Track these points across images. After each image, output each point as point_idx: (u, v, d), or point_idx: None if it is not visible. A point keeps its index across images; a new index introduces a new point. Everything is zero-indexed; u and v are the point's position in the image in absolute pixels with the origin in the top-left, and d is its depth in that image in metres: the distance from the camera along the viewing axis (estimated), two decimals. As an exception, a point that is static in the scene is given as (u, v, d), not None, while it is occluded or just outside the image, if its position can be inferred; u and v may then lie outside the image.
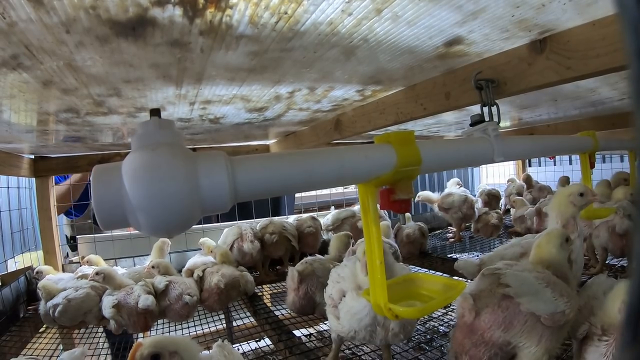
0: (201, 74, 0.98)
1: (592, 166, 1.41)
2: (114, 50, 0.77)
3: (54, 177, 2.37)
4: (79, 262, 2.35)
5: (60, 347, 1.68)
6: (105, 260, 2.25)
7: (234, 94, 1.22)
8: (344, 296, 1.07)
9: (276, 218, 2.40)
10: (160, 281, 1.67)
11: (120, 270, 2.01)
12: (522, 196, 2.77)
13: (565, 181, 2.40)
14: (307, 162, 0.59)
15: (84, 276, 1.86)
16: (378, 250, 0.73)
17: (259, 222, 2.30)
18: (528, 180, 2.93)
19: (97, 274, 1.68)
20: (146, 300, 1.53)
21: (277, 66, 0.99)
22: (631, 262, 0.17)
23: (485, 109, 1.04)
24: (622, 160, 3.62)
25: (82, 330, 1.74)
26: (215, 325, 1.88)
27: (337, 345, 1.16)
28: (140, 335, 1.84)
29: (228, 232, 2.22)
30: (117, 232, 2.50)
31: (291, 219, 2.43)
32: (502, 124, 2.64)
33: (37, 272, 2.01)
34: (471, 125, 0.98)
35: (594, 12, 0.80)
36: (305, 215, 2.41)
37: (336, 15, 0.71)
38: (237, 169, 0.53)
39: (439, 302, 0.78)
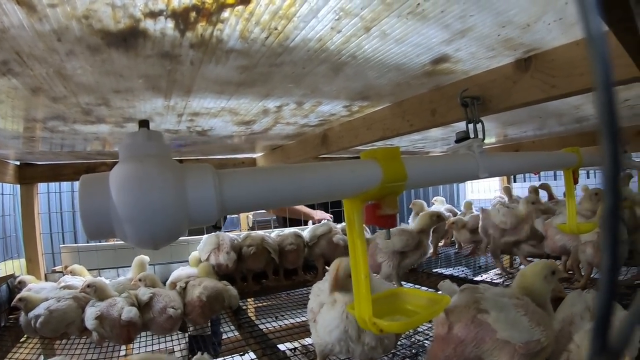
0: (190, 86, 0.98)
1: (576, 182, 1.43)
2: (104, 60, 0.78)
3: (38, 184, 2.35)
4: (62, 272, 2.31)
5: (42, 357, 1.66)
6: (89, 270, 2.21)
7: (222, 106, 1.22)
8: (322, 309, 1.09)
9: (259, 232, 2.40)
10: (144, 293, 1.64)
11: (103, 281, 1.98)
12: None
13: (534, 191, 2.42)
14: (294, 177, 0.60)
15: (67, 286, 1.83)
16: (363, 265, 0.73)
17: (241, 234, 2.28)
18: (507, 191, 2.96)
19: (88, 286, 1.65)
20: (129, 313, 1.50)
21: (266, 80, 1.00)
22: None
23: (471, 126, 1.06)
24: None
25: (64, 341, 1.70)
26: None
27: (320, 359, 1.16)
28: (123, 348, 1.82)
29: (207, 240, 2.21)
30: (101, 242, 2.48)
31: (273, 233, 2.40)
32: (487, 140, 2.68)
33: (19, 282, 1.96)
34: (456, 141, 0.99)
35: (578, 32, 0.83)
36: (287, 231, 2.38)
37: (325, 32, 0.73)
38: (224, 183, 0.53)
39: (423, 316, 0.78)
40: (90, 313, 1.50)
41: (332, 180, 0.62)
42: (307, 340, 1.68)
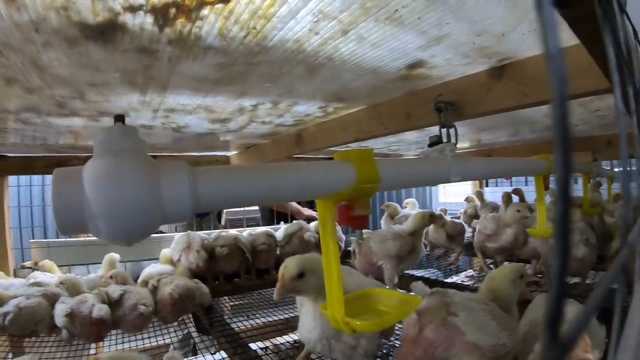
0: (167, 82, 0.98)
1: (547, 188, 1.47)
2: (81, 53, 0.77)
3: (9, 177, 2.29)
4: (31, 268, 2.25)
5: (10, 355, 1.64)
6: (59, 266, 2.17)
7: (198, 104, 1.22)
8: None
9: (232, 230, 2.39)
10: (114, 290, 1.63)
11: (73, 278, 1.94)
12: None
13: (508, 197, 2.48)
14: (268, 176, 0.60)
15: (36, 283, 1.79)
16: (335, 265, 0.74)
17: (212, 234, 2.28)
18: (480, 195, 3.03)
19: (61, 283, 1.64)
20: (100, 311, 1.49)
21: (242, 79, 1.00)
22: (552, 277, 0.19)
23: (444, 130, 1.09)
24: (575, 182, 3.80)
25: (34, 339, 1.66)
26: (170, 338, 1.84)
27: (305, 353, 1.17)
28: (93, 346, 1.79)
29: (179, 239, 2.19)
30: (71, 238, 2.43)
31: (245, 233, 2.39)
32: (461, 145, 2.74)
33: None
34: (429, 145, 1.02)
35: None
36: (259, 230, 2.39)
37: (303, 33, 0.73)
38: (199, 180, 0.54)
39: (395, 316, 0.80)
40: (60, 310, 1.47)
41: (306, 181, 0.63)
42: (279, 340, 1.69)
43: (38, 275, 1.98)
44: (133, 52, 0.77)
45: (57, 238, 2.97)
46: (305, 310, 1.08)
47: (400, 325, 1.60)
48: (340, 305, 0.75)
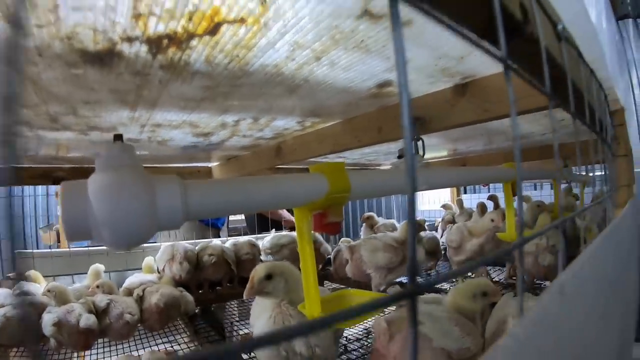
0: (156, 100, 1.05)
1: (514, 194, 1.55)
2: (79, 75, 0.84)
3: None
4: (16, 278, 2.26)
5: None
6: (44, 277, 2.18)
7: (184, 120, 1.30)
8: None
9: (215, 240, 2.45)
10: (101, 300, 1.66)
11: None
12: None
13: (482, 207, 2.57)
14: (249, 188, 0.68)
15: (23, 293, 1.82)
16: (312, 268, 0.81)
17: (199, 244, 2.33)
18: (459, 203, 3.15)
19: (49, 291, 1.67)
20: (88, 320, 1.52)
21: (226, 98, 1.08)
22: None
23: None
24: (551, 188, 3.96)
25: (21, 349, 1.68)
26: (157, 345, 1.88)
27: None
28: (76, 355, 1.81)
29: (164, 249, 2.24)
30: (54, 249, 2.45)
31: (228, 243, 2.44)
32: (438, 154, 2.85)
33: None
34: (398, 157, 1.11)
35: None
36: (242, 240, 2.45)
37: (281, 60, 0.82)
38: (189, 192, 0.61)
39: (368, 313, 0.88)
40: (48, 319, 1.49)
41: (283, 191, 0.70)
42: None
43: (24, 286, 1.99)
44: (127, 75, 0.84)
45: (38, 249, 2.98)
46: (258, 321, 1.15)
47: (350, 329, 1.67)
48: (317, 305, 0.83)
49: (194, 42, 0.70)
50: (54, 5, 0.56)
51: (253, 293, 1.11)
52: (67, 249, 2.46)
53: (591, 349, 0.57)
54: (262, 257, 2.42)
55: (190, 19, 0.61)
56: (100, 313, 1.62)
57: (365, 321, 1.67)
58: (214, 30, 0.65)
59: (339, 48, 0.79)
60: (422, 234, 2.46)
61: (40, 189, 4.66)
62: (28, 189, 4.49)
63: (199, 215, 0.63)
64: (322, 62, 0.84)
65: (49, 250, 2.45)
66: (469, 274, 2.29)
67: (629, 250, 1.25)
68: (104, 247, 2.61)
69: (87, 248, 2.45)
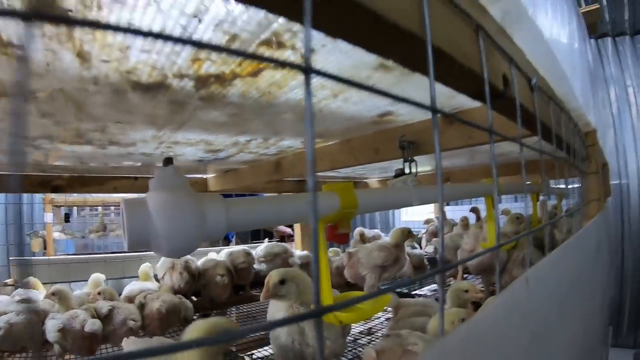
0: (184, 123, 1.17)
1: (494, 207, 1.69)
2: (121, 100, 0.93)
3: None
4: (13, 285, 2.30)
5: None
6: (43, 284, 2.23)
7: (202, 139, 1.41)
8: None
9: (211, 253, 2.56)
10: (103, 306, 1.72)
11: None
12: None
13: (465, 220, 2.74)
14: (276, 204, 0.80)
15: (25, 299, 1.85)
16: (326, 272, 0.94)
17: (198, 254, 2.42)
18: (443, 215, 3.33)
19: (53, 294, 1.70)
20: (93, 325, 1.58)
21: (246, 123, 1.21)
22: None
23: (407, 164, 1.32)
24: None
25: (24, 355, 1.72)
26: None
27: None
28: None
29: (162, 262, 2.31)
30: (52, 257, 2.49)
31: (223, 253, 2.54)
32: (425, 168, 3.01)
33: None
34: (395, 177, 1.25)
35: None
36: (236, 250, 2.52)
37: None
38: (231, 209, 0.72)
39: (372, 309, 0.99)
40: (52, 325, 1.53)
41: (303, 207, 0.82)
42: (257, 354, 1.83)
43: (23, 292, 2.01)
44: (166, 103, 0.96)
45: (34, 256, 2.99)
46: (275, 312, 1.27)
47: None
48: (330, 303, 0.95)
49: (236, 82, 0.83)
50: (125, 47, 0.67)
51: (268, 296, 1.22)
52: (64, 257, 2.51)
53: (553, 327, 0.71)
54: (256, 266, 2.52)
55: (240, 64, 0.73)
56: (102, 319, 1.67)
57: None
58: (256, 73, 0.78)
59: (352, 89, 0.92)
60: (409, 250, 2.65)
61: (26, 197, 4.64)
62: (12, 197, 4.48)
63: (237, 227, 0.75)
64: (337, 98, 0.99)
65: (47, 257, 2.49)
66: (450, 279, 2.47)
67: (594, 257, 1.41)
68: (101, 255, 2.69)
69: (84, 256, 2.50)
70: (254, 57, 0.54)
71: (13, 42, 0.64)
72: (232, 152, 1.74)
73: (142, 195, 0.64)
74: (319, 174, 1.95)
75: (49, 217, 4.04)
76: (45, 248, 3.91)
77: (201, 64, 0.73)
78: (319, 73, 0.26)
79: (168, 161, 0.78)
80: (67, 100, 0.92)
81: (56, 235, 4.33)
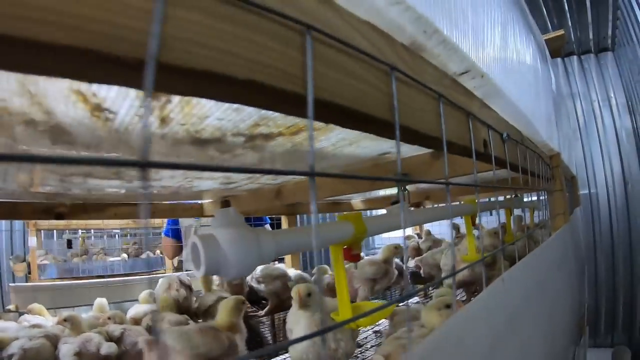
0: (220, 163, 1.32)
1: (474, 224, 1.72)
2: (176, 150, 1.00)
3: None
4: (16, 312, 2.36)
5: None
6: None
7: (224, 174, 1.56)
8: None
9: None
10: (114, 329, 1.82)
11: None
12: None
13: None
14: (309, 233, 0.99)
15: (36, 325, 1.96)
16: (345, 285, 1.12)
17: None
18: (427, 233, 3.62)
19: (65, 320, 1.79)
20: (109, 348, 1.67)
21: (270, 161, 1.38)
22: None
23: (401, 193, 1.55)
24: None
25: None
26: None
27: None
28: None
29: (162, 282, 2.45)
30: (55, 282, 2.55)
31: None
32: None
33: None
34: (392, 204, 1.47)
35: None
36: None
37: (327, 145, 1.17)
38: (277, 239, 0.89)
39: (381, 315, 1.18)
40: (68, 349, 1.60)
41: (328, 234, 1.01)
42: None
43: (30, 319, 2.12)
44: (213, 150, 1.09)
45: (14, 282, 2.99)
46: (296, 328, 1.50)
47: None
48: (349, 311, 1.14)
49: (279, 138, 1.01)
50: (205, 116, 0.82)
51: (302, 306, 1.46)
52: (67, 282, 2.58)
53: (522, 314, 0.94)
54: (254, 284, 2.65)
55: (288, 127, 0.93)
56: (115, 341, 1.76)
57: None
58: (296, 132, 0.97)
59: (367, 138, 1.14)
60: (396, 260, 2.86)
61: (4, 224, 4.62)
62: (15, 224, 4.50)
63: (282, 253, 0.93)
64: (352, 145, 1.20)
65: (47, 283, 2.54)
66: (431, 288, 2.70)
67: (560, 263, 1.66)
68: (103, 280, 2.77)
69: (88, 281, 2.58)
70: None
71: (104, 106, 0.72)
72: (242, 184, 1.87)
73: (210, 232, 0.83)
74: (319, 201, 2.11)
75: (32, 241, 4.03)
76: (29, 273, 3.90)
77: (258, 127, 0.92)
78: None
79: (227, 204, 0.97)
80: (129, 151, 1.04)
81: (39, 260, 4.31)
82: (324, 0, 0.46)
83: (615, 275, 4.65)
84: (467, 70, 0.79)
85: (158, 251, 4.97)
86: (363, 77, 0.53)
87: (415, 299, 2.89)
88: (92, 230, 5.28)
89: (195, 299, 2.44)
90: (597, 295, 4.65)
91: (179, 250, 3.50)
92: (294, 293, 1.49)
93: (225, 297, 2.24)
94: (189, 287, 2.42)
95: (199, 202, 2.85)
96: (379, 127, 0.56)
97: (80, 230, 5.08)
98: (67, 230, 5.02)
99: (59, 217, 2.36)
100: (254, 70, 0.36)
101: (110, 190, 1.78)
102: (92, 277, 3.86)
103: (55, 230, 5.02)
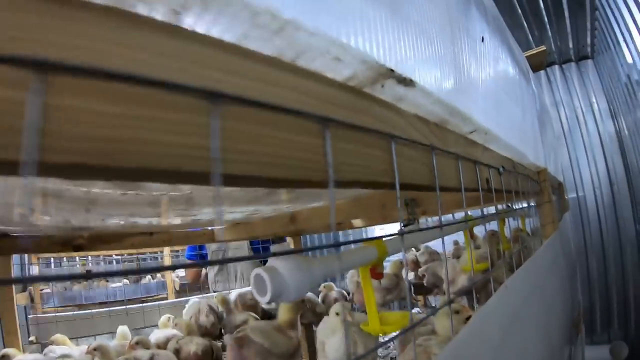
0: (249, 202, 1.48)
1: (472, 237, 1.89)
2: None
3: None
4: (40, 343, 2.42)
5: None
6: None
7: (249, 209, 1.70)
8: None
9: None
10: (143, 355, 1.88)
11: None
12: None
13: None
14: (346, 258, 1.17)
15: (65, 356, 2.02)
16: (373, 299, 1.27)
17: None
18: (425, 247, 3.79)
19: (95, 349, 1.88)
20: None
21: (293, 202, 1.55)
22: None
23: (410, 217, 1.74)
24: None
25: None
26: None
27: None
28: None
29: (189, 306, 2.55)
30: (73, 312, 2.62)
31: (234, 293, 2.74)
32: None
33: (2, 356, 2.00)
34: (404, 226, 1.66)
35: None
36: (244, 291, 2.76)
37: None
38: (323, 265, 1.07)
39: (402, 323, 1.34)
40: None
41: (359, 258, 1.17)
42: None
43: (56, 349, 2.18)
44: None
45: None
46: (332, 339, 1.67)
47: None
48: (377, 323, 1.32)
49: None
50: None
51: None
52: (87, 311, 2.66)
53: (522, 314, 1.13)
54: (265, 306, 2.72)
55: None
56: None
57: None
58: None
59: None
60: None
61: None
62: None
63: (328, 276, 1.10)
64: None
65: (72, 313, 2.61)
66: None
67: (551, 268, 1.86)
68: (122, 307, 2.85)
69: (108, 309, 2.65)
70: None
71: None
72: (258, 215, 1.99)
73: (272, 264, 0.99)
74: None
75: (35, 269, 4.06)
76: (32, 301, 3.90)
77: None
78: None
79: (280, 240, 1.15)
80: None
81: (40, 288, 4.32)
82: (395, 112, 0.66)
83: (607, 274, 4.74)
84: (474, 130, 0.99)
85: (159, 275, 5.02)
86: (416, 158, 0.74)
87: (416, 309, 3.11)
88: (90, 257, 5.30)
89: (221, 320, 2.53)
90: (591, 295, 4.72)
91: (200, 275, 3.62)
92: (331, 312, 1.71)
93: (254, 316, 2.47)
94: (216, 313, 2.50)
95: (209, 228, 2.94)
96: (423, 190, 0.77)
97: (77, 258, 5.10)
98: (64, 258, 5.04)
99: (78, 249, 2.45)
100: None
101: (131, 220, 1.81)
102: (96, 304, 3.89)
103: (52, 258, 5.04)
